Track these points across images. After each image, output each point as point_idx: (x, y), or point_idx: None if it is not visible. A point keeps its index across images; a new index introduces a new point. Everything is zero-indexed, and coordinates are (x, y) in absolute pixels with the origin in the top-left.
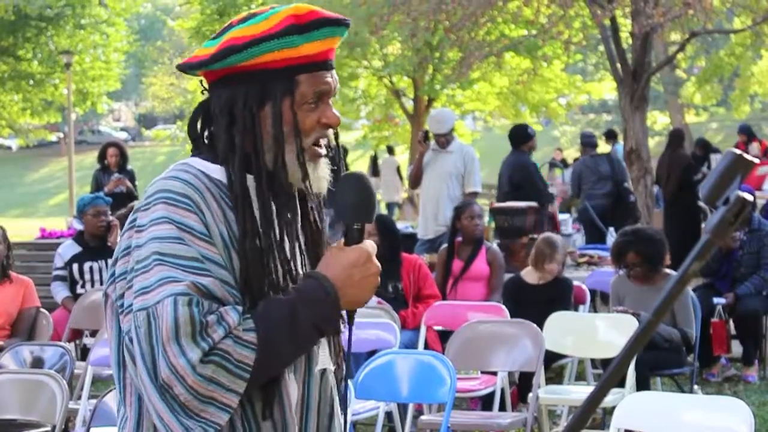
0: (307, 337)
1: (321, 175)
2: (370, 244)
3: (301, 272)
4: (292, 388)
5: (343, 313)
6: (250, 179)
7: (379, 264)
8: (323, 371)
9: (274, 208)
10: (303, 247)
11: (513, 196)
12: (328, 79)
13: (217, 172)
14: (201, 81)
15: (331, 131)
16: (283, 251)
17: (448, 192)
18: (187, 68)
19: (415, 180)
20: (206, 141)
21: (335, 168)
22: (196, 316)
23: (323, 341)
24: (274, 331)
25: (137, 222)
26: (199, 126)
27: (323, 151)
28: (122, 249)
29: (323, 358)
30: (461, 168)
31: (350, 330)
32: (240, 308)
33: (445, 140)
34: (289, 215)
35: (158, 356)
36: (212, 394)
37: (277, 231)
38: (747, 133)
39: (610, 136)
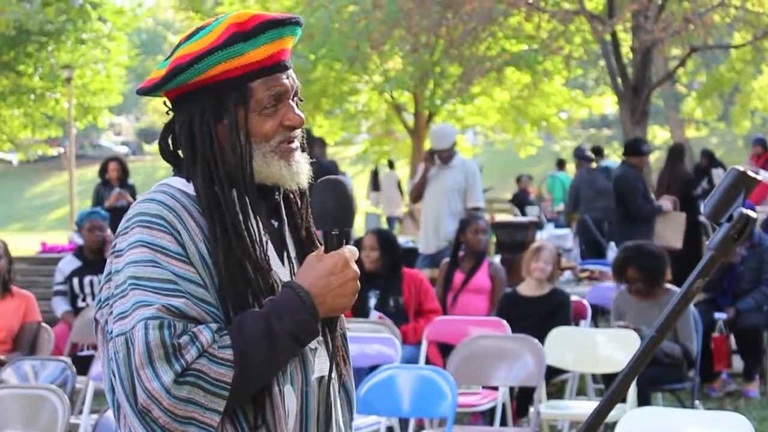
0: (285, 348)
1: (296, 170)
2: (348, 250)
3: (286, 280)
4: (290, 398)
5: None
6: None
7: (357, 269)
8: (320, 379)
9: (251, 217)
10: (293, 254)
11: (618, 207)
12: (284, 80)
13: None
14: (164, 102)
15: (297, 132)
16: (259, 260)
17: (449, 207)
18: (143, 93)
19: (417, 195)
20: (180, 159)
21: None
22: (167, 339)
23: (321, 348)
24: (251, 346)
25: (117, 247)
26: (171, 145)
27: (295, 145)
28: (105, 275)
29: (320, 365)
30: (462, 183)
31: (333, 337)
32: (214, 326)
33: (447, 155)
34: (272, 222)
35: (135, 381)
36: (191, 415)
37: (248, 240)
38: (763, 145)
39: (597, 152)
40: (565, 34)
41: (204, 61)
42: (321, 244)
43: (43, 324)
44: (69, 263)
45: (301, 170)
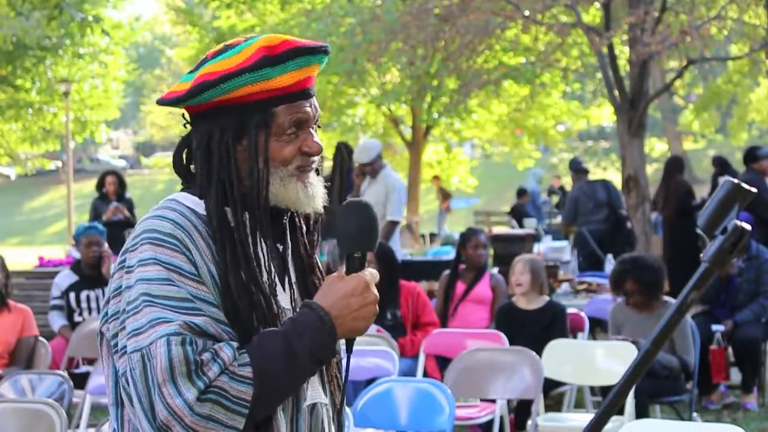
0: (304, 367)
1: (312, 194)
2: (369, 273)
3: (285, 306)
4: (281, 424)
5: (342, 341)
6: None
7: (377, 292)
8: (312, 406)
9: (261, 241)
10: (293, 279)
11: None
12: (307, 108)
13: (203, 207)
14: (183, 114)
15: (316, 158)
16: (266, 285)
17: None
18: (164, 104)
19: None
20: (191, 175)
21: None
22: (191, 356)
23: (314, 376)
24: (270, 364)
25: (126, 263)
26: (185, 160)
27: (311, 168)
28: (113, 289)
29: (312, 392)
30: (383, 197)
31: (348, 359)
32: (235, 344)
33: (371, 169)
34: (277, 246)
35: (155, 397)
36: None
37: (254, 263)
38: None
39: (580, 170)
40: (562, 46)
41: (231, 81)
42: (321, 271)
43: (40, 338)
44: (66, 278)
45: (316, 194)
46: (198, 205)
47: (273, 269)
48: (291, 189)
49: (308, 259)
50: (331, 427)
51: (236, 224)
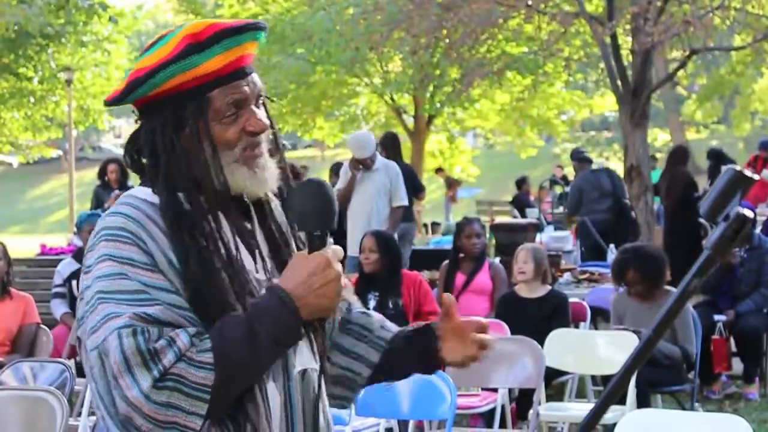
0: (267, 351)
1: (262, 178)
2: (331, 250)
3: (261, 277)
4: (273, 394)
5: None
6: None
7: (340, 269)
8: (303, 372)
9: (222, 221)
10: (267, 254)
11: None
12: (244, 87)
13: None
14: (133, 111)
15: (262, 137)
16: (231, 266)
17: (377, 208)
18: (109, 104)
19: (344, 201)
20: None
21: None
22: (143, 345)
23: (301, 344)
24: (232, 349)
25: (86, 263)
26: (136, 155)
27: (259, 151)
28: (80, 292)
29: (301, 359)
30: (388, 185)
31: (323, 337)
32: (192, 330)
33: (369, 161)
34: (244, 225)
35: (114, 392)
36: (173, 419)
37: (220, 244)
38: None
39: (583, 159)
40: (565, 36)
41: (158, 75)
42: (293, 242)
43: (42, 326)
44: (68, 265)
45: (267, 177)
46: (154, 196)
47: (240, 247)
48: (238, 176)
49: (281, 234)
50: (323, 392)
51: (191, 208)
